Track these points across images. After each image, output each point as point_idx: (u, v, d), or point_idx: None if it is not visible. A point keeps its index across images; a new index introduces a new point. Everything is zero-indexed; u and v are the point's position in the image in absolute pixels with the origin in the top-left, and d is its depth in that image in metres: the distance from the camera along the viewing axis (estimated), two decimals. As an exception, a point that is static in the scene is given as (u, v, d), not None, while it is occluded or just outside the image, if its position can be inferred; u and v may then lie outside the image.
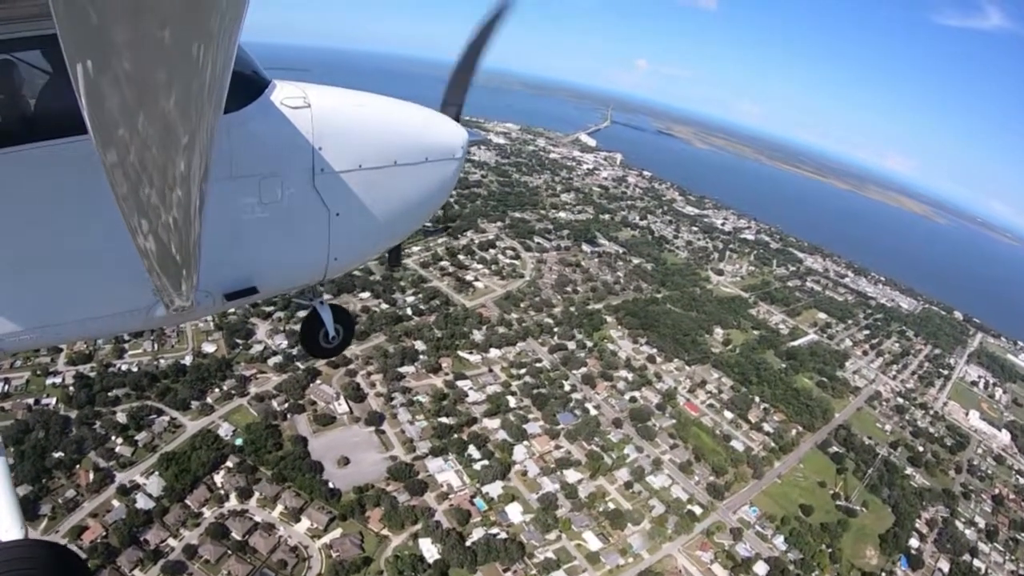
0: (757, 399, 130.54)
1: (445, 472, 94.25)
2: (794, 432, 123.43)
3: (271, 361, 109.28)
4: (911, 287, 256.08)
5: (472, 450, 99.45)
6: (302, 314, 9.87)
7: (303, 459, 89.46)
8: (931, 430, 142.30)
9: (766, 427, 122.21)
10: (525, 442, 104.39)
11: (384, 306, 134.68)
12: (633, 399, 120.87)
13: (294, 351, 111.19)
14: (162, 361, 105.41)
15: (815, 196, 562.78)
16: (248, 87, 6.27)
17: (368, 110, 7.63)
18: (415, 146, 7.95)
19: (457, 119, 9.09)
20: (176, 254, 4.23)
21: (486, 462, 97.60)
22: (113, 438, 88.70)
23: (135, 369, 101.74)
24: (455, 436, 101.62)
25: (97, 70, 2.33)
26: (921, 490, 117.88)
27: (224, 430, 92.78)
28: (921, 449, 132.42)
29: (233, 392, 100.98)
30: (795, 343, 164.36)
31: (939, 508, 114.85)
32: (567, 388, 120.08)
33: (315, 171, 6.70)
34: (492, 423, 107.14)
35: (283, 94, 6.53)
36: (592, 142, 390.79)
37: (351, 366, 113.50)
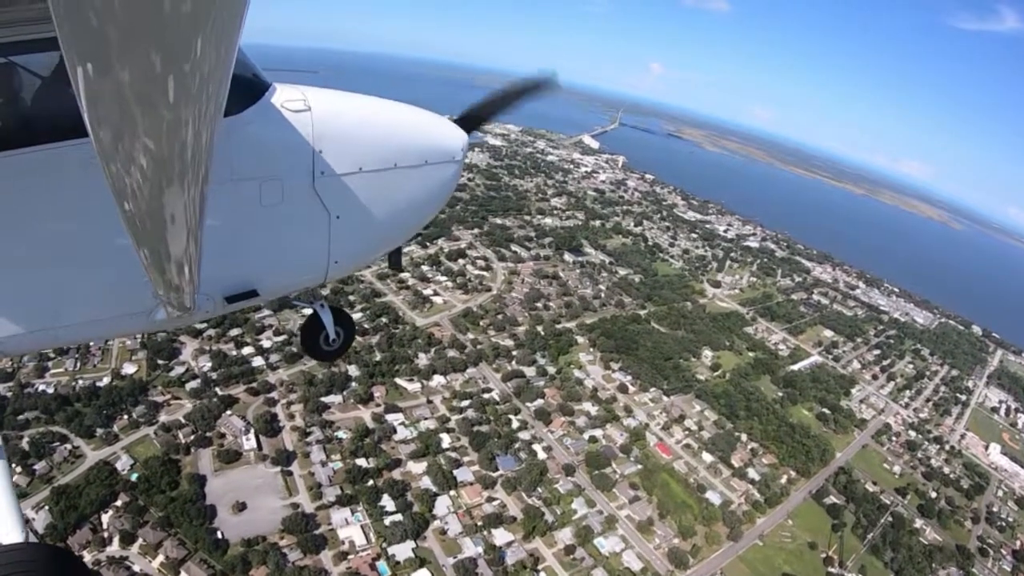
0: (744, 437, 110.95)
1: (350, 526, 78.88)
2: (785, 479, 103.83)
3: (189, 386, 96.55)
4: (927, 299, 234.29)
5: (386, 500, 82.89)
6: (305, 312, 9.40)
7: (195, 502, 77.51)
8: (946, 470, 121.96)
9: (752, 473, 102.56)
10: (452, 492, 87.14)
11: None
12: (593, 439, 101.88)
13: (214, 375, 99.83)
14: (80, 381, 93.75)
15: (828, 201, 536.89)
16: (248, 90, 5.99)
17: (368, 113, 7.29)
18: (415, 149, 7.53)
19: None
20: (176, 257, 4.13)
21: (399, 517, 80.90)
22: (12, 466, 74.56)
23: (51, 390, 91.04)
24: (370, 482, 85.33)
25: (97, 73, 2.31)
26: (931, 548, 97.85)
27: (123, 463, 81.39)
28: (934, 495, 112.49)
29: (141, 420, 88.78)
30: (795, 367, 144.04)
31: (951, 571, 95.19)
32: (515, 425, 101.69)
33: (315, 174, 6.39)
34: (418, 467, 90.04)
35: (283, 97, 6.22)
36: (595, 144, 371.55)
37: (273, 394, 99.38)
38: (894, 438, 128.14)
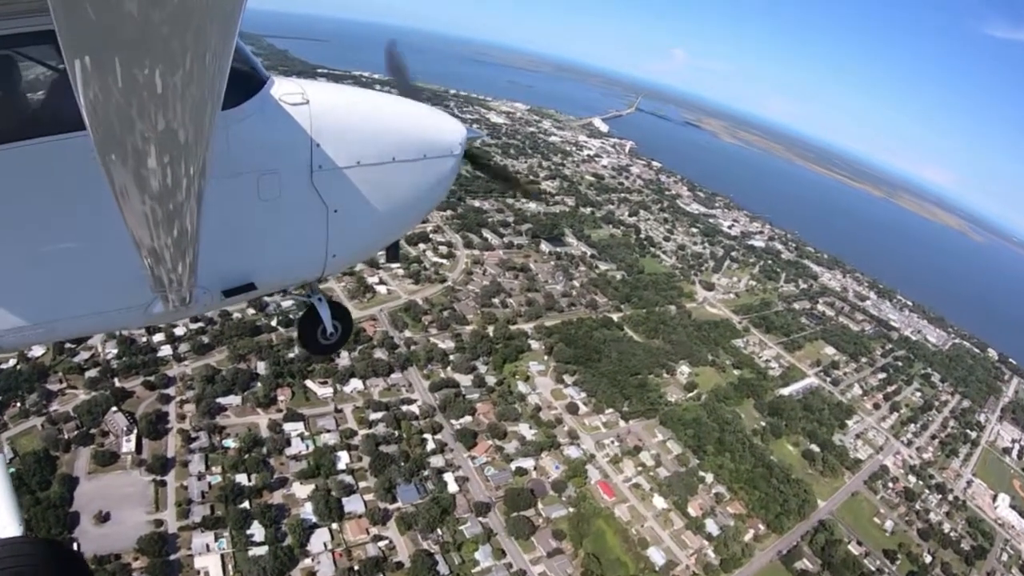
0: (710, 478, 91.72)
1: (209, 555, 65.42)
2: (751, 534, 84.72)
3: (89, 374, 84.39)
4: (941, 315, 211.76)
5: (256, 528, 68.13)
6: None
7: (60, 507, 67.31)
8: (946, 527, 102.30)
9: (710, 525, 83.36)
10: (335, 524, 70.71)
11: (251, 311, 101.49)
12: (521, 471, 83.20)
13: (115, 364, 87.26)
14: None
15: (844, 202, 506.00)
16: (246, 83, 5.83)
17: (367, 106, 7.14)
18: (414, 143, 7.32)
19: None
20: (174, 250, 4.11)
21: (264, 550, 65.78)
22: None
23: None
24: (245, 504, 70.52)
25: (95, 66, 2.31)
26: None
27: (4, 456, 64.47)
28: (929, 559, 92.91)
29: (32, 409, 77.90)
30: (785, 390, 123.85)
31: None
32: (430, 446, 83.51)
33: (313, 168, 6.24)
34: (304, 489, 74.09)
35: (281, 90, 6.09)
36: (605, 128, 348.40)
37: (170, 390, 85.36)
38: (890, 484, 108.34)
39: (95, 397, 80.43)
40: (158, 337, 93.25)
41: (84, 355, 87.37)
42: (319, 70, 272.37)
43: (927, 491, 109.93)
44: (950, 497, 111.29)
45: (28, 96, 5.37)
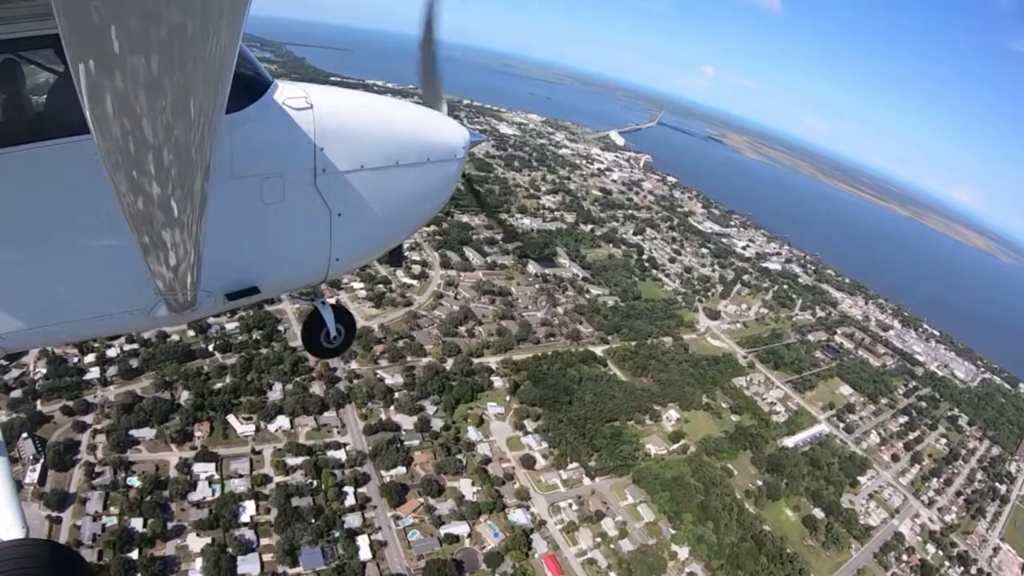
0: (684, 552, 75.78)
1: None
2: (729, 628, 69.12)
3: (14, 394, 77.60)
4: (969, 346, 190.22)
5: None
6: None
7: None
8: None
9: (679, 617, 68.02)
10: None
11: (190, 333, 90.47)
12: (452, 538, 68.56)
13: (38, 384, 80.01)
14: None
15: (869, 221, 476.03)
16: (250, 87, 5.79)
17: (370, 110, 7.00)
18: (417, 146, 7.21)
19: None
20: (178, 254, 4.03)
21: None
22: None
23: None
24: (134, 553, 60.70)
25: (99, 70, 2.28)
26: None
27: None
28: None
29: None
30: (790, 441, 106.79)
31: None
32: (348, 502, 70.09)
33: (317, 171, 6.14)
34: (199, 542, 63.13)
35: (285, 94, 6.01)
36: (621, 141, 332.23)
37: (88, 417, 76.65)
38: (904, 556, 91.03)
39: (12, 420, 72.87)
40: (88, 358, 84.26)
41: (15, 373, 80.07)
42: (332, 77, 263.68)
43: (947, 563, 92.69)
44: (973, 570, 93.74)
45: (33, 99, 5.25)
